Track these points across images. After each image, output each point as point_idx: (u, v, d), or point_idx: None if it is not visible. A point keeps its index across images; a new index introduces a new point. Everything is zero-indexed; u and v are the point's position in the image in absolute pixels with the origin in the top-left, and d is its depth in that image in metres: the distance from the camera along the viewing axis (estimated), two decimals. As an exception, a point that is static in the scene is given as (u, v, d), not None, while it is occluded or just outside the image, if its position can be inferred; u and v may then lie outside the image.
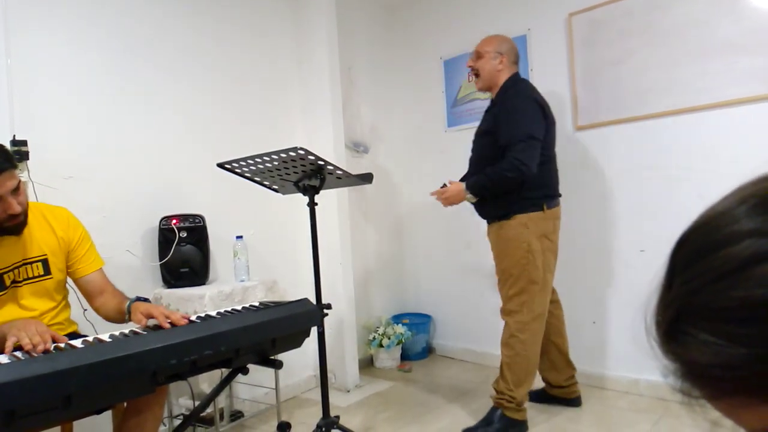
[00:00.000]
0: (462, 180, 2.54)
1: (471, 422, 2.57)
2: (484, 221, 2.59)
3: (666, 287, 0.42)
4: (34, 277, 1.71)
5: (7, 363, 1.20)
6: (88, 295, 1.83)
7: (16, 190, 1.57)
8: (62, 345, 1.38)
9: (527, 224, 2.40)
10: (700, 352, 0.38)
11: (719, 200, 0.42)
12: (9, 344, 1.32)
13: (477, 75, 2.55)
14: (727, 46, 2.49)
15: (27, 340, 1.32)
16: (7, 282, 1.66)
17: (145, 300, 1.71)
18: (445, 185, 2.53)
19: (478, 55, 2.53)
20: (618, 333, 2.90)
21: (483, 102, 3.40)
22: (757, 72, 2.42)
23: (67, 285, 1.86)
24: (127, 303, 1.69)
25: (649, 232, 2.76)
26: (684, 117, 2.64)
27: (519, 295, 2.42)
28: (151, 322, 1.58)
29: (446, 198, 2.51)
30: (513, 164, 2.30)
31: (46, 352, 1.32)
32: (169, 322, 1.52)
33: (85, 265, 1.82)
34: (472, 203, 2.52)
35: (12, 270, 1.67)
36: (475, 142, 2.60)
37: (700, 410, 0.41)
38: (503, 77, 2.50)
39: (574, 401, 2.72)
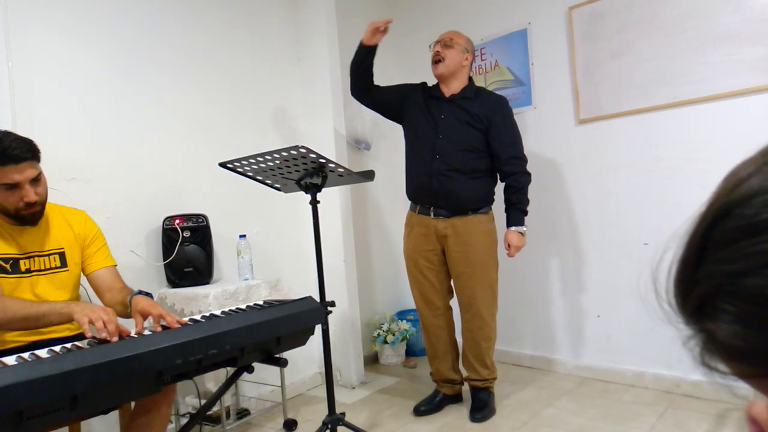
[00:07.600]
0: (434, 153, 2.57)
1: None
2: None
3: (694, 259, 0.39)
4: (51, 269, 1.79)
5: (14, 365, 1.21)
6: (99, 290, 1.88)
7: (36, 180, 1.66)
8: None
9: (493, 219, 2.61)
10: (737, 334, 0.36)
11: (753, 170, 0.37)
12: (85, 326, 1.42)
13: (440, 61, 2.56)
14: (728, 37, 2.47)
15: (97, 316, 1.41)
16: (23, 268, 1.72)
17: (147, 294, 1.72)
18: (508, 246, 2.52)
19: (446, 44, 2.56)
20: (622, 326, 2.90)
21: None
22: (757, 63, 2.40)
23: (80, 285, 1.92)
24: (130, 296, 1.71)
25: (652, 225, 2.75)
26: (685, 108, 2.63)
27: (493, 288, 2.60)
28: (148, 323, 1.59)
29: (516, 248, 2.51)
30: (528, 179, 2.54)
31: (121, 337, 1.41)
32: (162, 325, 1.55)
33: (97, 261, 1.90)
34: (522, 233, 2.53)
35: (28, 258, 1.74)
36: (455, 130, 2.54)
37: (720, 379, 0.40)
38: (466, 74, 2.63)
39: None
